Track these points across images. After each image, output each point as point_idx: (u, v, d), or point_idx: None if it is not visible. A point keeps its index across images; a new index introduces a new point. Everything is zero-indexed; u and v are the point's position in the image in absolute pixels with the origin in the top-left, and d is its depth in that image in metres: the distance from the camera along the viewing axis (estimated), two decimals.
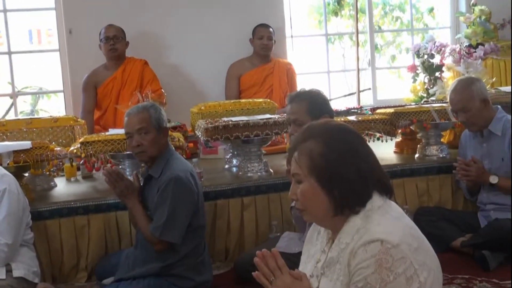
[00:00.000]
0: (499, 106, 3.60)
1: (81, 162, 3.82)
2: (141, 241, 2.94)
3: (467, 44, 5.79)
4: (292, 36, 6.11)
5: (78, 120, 4.16)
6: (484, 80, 4.65)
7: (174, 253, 2.86)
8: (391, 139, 4.20)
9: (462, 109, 3.51)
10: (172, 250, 2.85)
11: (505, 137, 3.44)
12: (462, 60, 5.36)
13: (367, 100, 6.29)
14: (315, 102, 2.97)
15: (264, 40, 5.50)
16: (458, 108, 3.54)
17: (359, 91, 6.12)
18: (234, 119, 3.70)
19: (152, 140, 2.90)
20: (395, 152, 4.49)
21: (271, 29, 5.55)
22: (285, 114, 3.30)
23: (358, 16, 6.27)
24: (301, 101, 2.99)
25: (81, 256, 3.38)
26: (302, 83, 5.91)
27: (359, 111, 5.05)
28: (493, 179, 3.40)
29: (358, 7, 6.26)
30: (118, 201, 3.24)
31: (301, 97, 3.02)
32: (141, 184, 3.03)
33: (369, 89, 6.38)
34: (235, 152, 4.04)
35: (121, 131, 3.44)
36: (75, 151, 3.57)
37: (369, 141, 3.90)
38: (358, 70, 6.18)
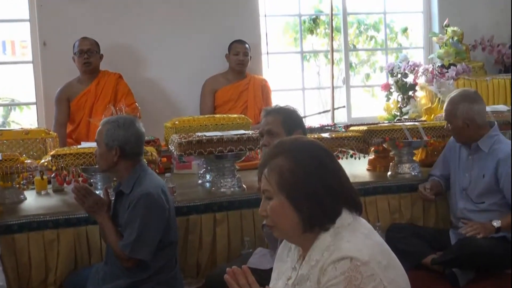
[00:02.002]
0: (495, 123, 3.61)
1: (52, 175, 3.77)
2: (111, 256, 2.90)
3: (439, 64, 5.86)
4: (267, 53, 6.13)
5: (50, 132, 4.11)
6: None
7: (144, 269, 2.82)
8: (364, 157, 4.22)
9: (447, 121, 3.59)
10: (143, 267, 2.81)
11: (491, 155, 3.43)
12: (434, 80, 5.41)
13: (341, 118, 6.32)
14: (289, 117, 3.00)
15: (240, 56, 5.51)
16: (444, 118, 3.62)
17: (333, 109, 6.16)
18: (208, 134, 3.68)
19: (100, 155, 2.92)
20: (367, 169, 4.51)
21: (247, 45, 5.56)
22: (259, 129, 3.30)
23: (333, 34, 6.32)
24: (276, 114, 3.02)
25: (50, 271, 3.31)
26: (277, 100, 5.91)
27: (332, 128, 5.07)
28: (497, 223, 3.34)
29: (334, 25, 6.32)
30: (88, 215, 3.19)
31: (276, 111, 3.06)
32: (112, 199, 2.99)
33: (344, 106, 6.42)
34: (209, 168, 4.02)
35: (94, 144, 3.41)
36: (46, 164, 3.52)
37: (342, 158, 3.92)
38: (333, 87, 6.22)
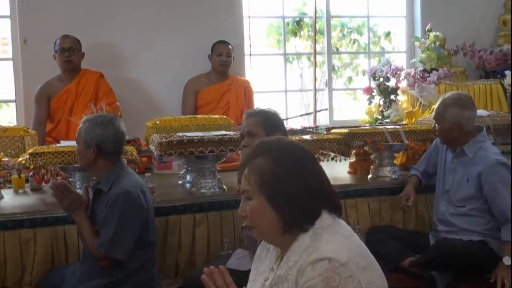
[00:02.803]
0: (484, 129, 3.61)
1: (30, 174, 3.72)
2: (88, 256, 2.86)
3: (421, 68, 5.90)
4: (250, 54, 6.13)
5: (29, 130, 4.07)
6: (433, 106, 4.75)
7: (121, 269, 2.79)
8: (345, 159, 4.22)
9: (435, 120, 3.57)
10: (119, 267, 2.78)
11: (475, 162, 3.42)
12: (416, 84, 5.45)
13: (323, 120, 6.34)
14: (270, 118, 3.04)
15: (223, 57, 5.50)
16: (433, 117, 3.62)
17: (315, 111, 6.17)
18: (188, 134, 3.66)
19: (79, 153, 2.91)
20: (348, 172, 4.52)
21: (230, 46, 5.56)
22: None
23: (317, 37, 6.33)
24: (257, 116, 3.06)
25: (26, 271, 3.25)
26: (260, 101, 5.93)
27: (314, 131, 5.08)
28: (508, 261, 3.27)
29: (317, 28, 6.33)
30: (66, 214, 3.15)
31: (257, 113, 3.10)
32: (90, 198, 2.96)
33: (326, 109, 6.44)
34: (189, 168, 3.99)
35: (73, 143, 3.37)
36: (23, 162, 3.48)
37: (323, 161, 3.92)
38: (315, 90, 6.23)
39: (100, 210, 2.84)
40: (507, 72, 5.72)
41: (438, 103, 3.60)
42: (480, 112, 4.60)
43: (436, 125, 3.57)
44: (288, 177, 1.62)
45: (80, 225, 2.87)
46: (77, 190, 3.15)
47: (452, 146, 3.58)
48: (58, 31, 5.11)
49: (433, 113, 3.63)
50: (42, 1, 5.38)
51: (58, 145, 3.68)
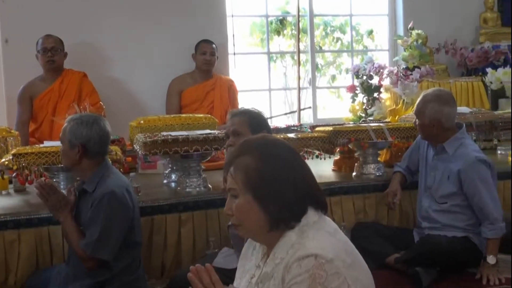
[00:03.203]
0: (463, 126, 3.61)
1: (13, 175, 3.68)
2: (73, 257, 2.84)
3: (404, 66, 5.94)
4: (234, 53, 6.13)
5: (12, 131, 4.02)
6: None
7: (107, 270, 2.77)
8: (330, 157, 4.24)
9: (415, 115, 3.59)
10: (105, 267, 2.77)
11: (455, 159, 3.44)
12: (399, 82, 5.48)
13: (307, 119, 6.36)
14: (255, 118, 3.03)
15: (207, 56, 5.50)
16: (414, 112, 3.63)
17: (299, 110, 6.18)
18: (173, 133, 3.65)
19: (63, 152, 2.90)
20: (333, 170, 4.54)
21: (214, 45, 5.56)
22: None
23: (300, 36, 6.35)
24: (242, 115, 3.05)
25: (10, 273, 3.21)
26: (244, 100, 5.93)
27: (298, 129, 5.09)
28: (492, 260, 3.29)
29: (300, 27, 6.35)
30: (51, 215, 3.12)
31: (242, 112, 3.10)
32: (76, 198, 2.94)
33: (310, 107, 6.45)
34: (174, 167, 3.99)
35: (56, 143, 3.35)
36: (6, 163, 3.44)
37: (308, 159, 3.93)
38: (299, 88, 6.24)
39: (85, 210, 2.82)
40: (488, 70, 5.78)
41: (419, 99, 3.61)
42: (462, 109, 4.64)
43: (417, 120, 3.58)
44: (274, 175, 1.62)
45: (65, 225, 2.84)
46: (61, 191, 3.13)
47: (432, 142, 3.59)
48: (40, 31, 5.07)
49: (414, 108, 3.64)
50: (24, 0, 5.33)
51: (41, 145, 3.65)
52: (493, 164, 3.47)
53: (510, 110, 4.94)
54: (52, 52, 4.94)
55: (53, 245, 3.30)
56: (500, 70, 5.71)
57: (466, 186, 3.37)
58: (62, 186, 3.45)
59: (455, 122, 3.54)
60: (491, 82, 5.70)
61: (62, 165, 3.32)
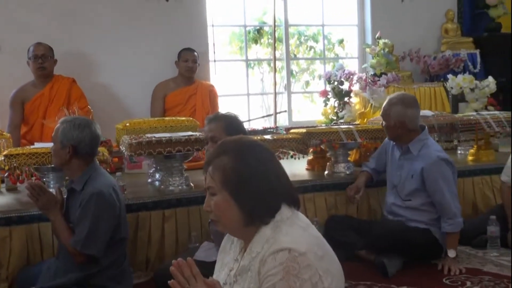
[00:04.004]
0: (426, 128, 3.63)
1: (5, 175, 3.63)
2: (63, 252, 2.81)
3: (372, 73, 5.98)
4: (214, 60, 6.14)
5: (4, 133, 3.97)
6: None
7: (95, 264, 2.74)
8: (303, 157, 4.24)
9: (382, 118, 3.60)
10: (93, 262, 2.73)
11: (419, 158, 3.46)
12: (367, 87, 5.50)
13: (283, 121, 6.37)
14: (231, 122, 3.00)
15: (189, 63, 5.49)
16: (381, 115, 3.65)
17: (275, 113, 6.20)
18: (157, 135, 3.62)
19: (54, 152, 2.85)
20: (307, 169, 4.55)
21: (195, 53, 5.54)
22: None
23: (276, 44, 6.36)
24: (218, 121, 3.02)
25: (2, 267, 3.17)
26: (223, 104, 5.93)
27: (274, 131, 5.09)
28: (452, 253, 3.34)
29: (276, 36, 6.36)
30: (41, 212, 3.08)
31: (218, 118, 3.06)
32: (64, 197, 2.90)
33: (285, 111, 6.47)
34: (158, 167, 3.96)
35: (46, 145, 3.30)
36: None
37: (283, 159, 3.93)
38: (275, 93, 6.26)
39: (74, 208, 2.79)
40: (449, 76, 5.84)
41: (385, 102, 3.64)
42: (425, 112, 4.68)
43: (383, 122, 3.61)
44: (250, 174, 1.61)
45: (55, 223, 2.81)
46: (51, 189, 3.09)
47: (398, 143, 3.61)
48: (32, 38, 5.03)
49: (381, 111, 3.67)
50: (16, 10, 5.27)
51: (32, 146, 3.60)
52: (453, 162, 3.50)
53: (469, 113, 5.00)
54: (43, 59, 4.89)
55: (43, 241, 3.27)
56: (460, 76, 5.78)
57: (429, 183, 3.40)
58: (51, 185, 3.41)
59: (418, 124, 3.57)
60: (451, 88, 5.76)
61: (52, 165, 3.29)
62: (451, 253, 3.31)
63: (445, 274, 3.20)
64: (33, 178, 3.45)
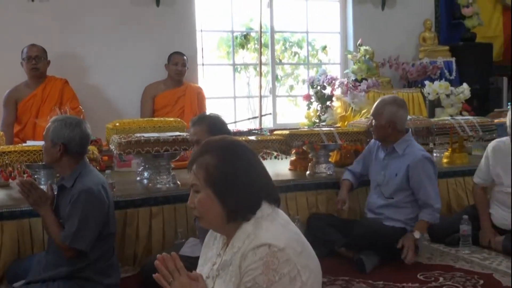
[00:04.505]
0: (410, 130, 3.67)
1: None
2: (53, 246, 2.78)
3: (353, 78, 6.01)
4: (203, 64, 6.12)
5: None
6: (365, 110, 4.84)
7: (83, 258, 2.72)
8: (286, 158, 4.25)
9: (372, 117, 3.61)
10: (82, 256, 2.72)
11: (404, 157, 3.48)
12: (349, 92, 5.53)
13: (268, 124, 6.38)
14: (214, 124, 2.97)
15: (179, 66, 5.47)
16: (371, 114, 3.65)
17: (261, 115, 6.20)
18: (145, 135, 3.61)
19: (45, 149, 2.82)
20: (289, 169, 4.56)
21: (185, 57, 5.53)
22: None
23: (262, 50, 6.36)
24: (202, 124, 2.98)
25: None
26: (211, 106, 5.92)
27: (259, 132, 5.09)
28: (417, 234, 3.37)
29: (262, 42, 6.36)
30: (31, 208, 3.05)
31: (201, 120, 3.02)
32: (55, 194, 2.88)
33: (270, 114, 6.48)
34: (146, 166, 3.94)
35: (38, 143, 3.28)
36: None
37: (266, 159, 3.94)
38: (261, 97, 6.26)
39: (64, 204, 2.77)
40: (426, 82, 5.88)
41: (377, 102, 3.64)
42: None
43: (373, 121, 3.61)
44: (232, 172, 1.62)
45: (46, 218, 2.79)
46: (42, 186, 3.07)
47: (384, 143, 3.63)
48: (26, 40, 4.98)
49: (372, 110, 3.66)
50: (11, 12, 5.23)
51: (24, 144, 3.57)
52: (434, 161, 3.54)
53: (444, 118, 5.04)
54: (36, 60, 4.84)
55: (33, 235, 3.24)
56: (436, 83, 5.82)
57: (413, 180, 3.43)
58: (42, 182, 3.39)
59: (405, 126, 3.60)
60: (428, 93, 5.80)
61: (43, 163, 3.27)
62: (416, 234, 3.35)
63: (420, 270, 3.22)
64: (25, 175, 3.42)
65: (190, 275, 1.63)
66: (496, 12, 7.46)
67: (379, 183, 3.60)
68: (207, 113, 3.16)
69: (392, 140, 3.56)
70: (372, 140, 3.81)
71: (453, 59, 6.63)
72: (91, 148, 3.52)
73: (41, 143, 2.98)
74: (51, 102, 4.89)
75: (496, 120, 4.96)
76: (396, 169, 3.51)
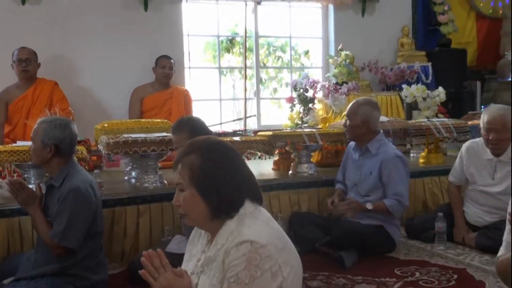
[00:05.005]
0: (381, 131, 3.69)
1: None
2: (42, 244, 2.75)
3: (334, 82, 6.02)
4: (190, 68, 6.10)
5: None
6: (344, 113, 4.85)
7: (72, 255, 2.69)
8: (270, 158, 4.25)
9: (347, 117, 3.62)
10: (70, 253, 2.69)
11: (377, 156, 3.50)
12: (330, 95, 5.54)
13: (252, 125, 6.36)
14: (194, 129, 2.93)
15: (166, 70, 5.44)
16: (346, 114, 3.66)
17: (245, 117, 6.19)
18: (133, 135, 3.59)
19: (34, 151, 2.78)
20: (273, 169, 4.56)
21: (172, 60, 5.50)
22: None
23: (247, 54, 6.36)
24: (182, 131, 2.96)
25: None
26: (197, 108, 5.90)
27: (243, 133, 5.09)
28: (369, 206, 3.42)
29: (247, 46, 6.36)
30: (21, 207, 3.01)
31: (181, 128, 2.99)
32: (43, 193, 2.85)
33: (254, 115, 6.47)
34: (134, 165, 3.92)
35: (28, 143, 3.24)
36: None
37: (251, 159, 3.93)
38: (245, 99, 6.25)
39: (53, 203, 2.74)
40: (404, 86, 5.91)
41: (351, 103, 3.66)
42: (381, 118, 4.71)
43: (348, 121, 3.62)
44: (216, 171, 1.61)
45: (34, 217, 2.75)
46: (31, 185, 3.03)
47: (358, 143, 3.64)
48: (17, 43, 4.93)
49: (346, 111, 3.67)
50: (1, 14, 5.19)
51: (13, 144, 3.53)
52: (407, 160, 3.57)
53: (421, 120, 5.08)
54: (26, 63, 4.79)
55: (23, 233, 3.21)
56: (413, 86, 5.85)
57: (384, 176, 3.46)
58: (32, 181, 3.35)
59: (377, 126, 3.62)
60: (406, 96, 5.83)
61: (32, 162, 3.22)
62: (369, 205, 3.40)
63: (390, 260, 3.24)
64: (15, 174, 3.38)
65: (175, 271, 1.62)
66: (470, 19, 7.54)
67: (356, 182, 3.61)
68: (185, 117, 3.10)
69: (365, 140, 3.58)
70: (349, 145, 3.83)
71: (430, 64, 6.67)
72: (80, 148, 3.50)
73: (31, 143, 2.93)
74: (41, 104, 4.83)
75: (470, 122, 5.00)
76: (371, 168, 3.53)
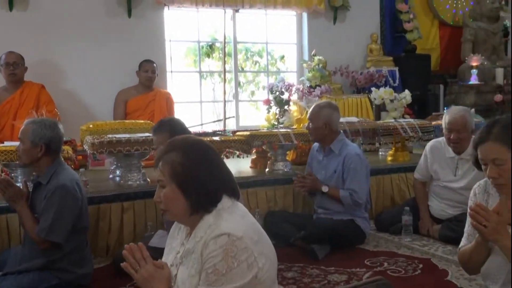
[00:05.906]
0: (341, 131, 3.71)
1: None
2: (29, 239, 2.71)
3: (308, 85, 6.04)
4: (172, 71, 6.06)
5: None
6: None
7: (58, 250, 2.66)
8: (247, 156, 4.24)
9: (309, 120, 3.62)
10: (57, 248, 2.65)
11: (340, 155, 3.52)
12: (304, 97, 5.57)
13: (231, 126, 6.34)
14: (174, 129, 2.91)
15: (149, 73, 5.40)
16: (308, 117, 3.66)
17: (225, 118, 6.18)
18: (117, 136, 3.55)
19: (24, 150, 2.72)
20: (250, 167, 4.55)
21: (155, 64, 5.47)
22: None
23: (226, 58, 6.34)
24: (162, 131, 2.94)
25: None
26: (179, 110, 5.86)
27: (223, 133, 5.07)
28: (324, 189, 3.49)
29: (226, 51, 6.35)
30: (8, 205, 2.96)
31: (161, 128, 2.98)
32: (30, 190, 2.80)
33: (233, 117, 6.46)
34: (118, 164, 3.88)
35: (15, 143, 3.18)
36: None
37: (229, 158, 3.92)
38: (225, 101, 6.24)
39: (40, 200, 2.69)
40: (373, 89, 5.97)
41: (313, 107, 3.67)
42: (352, 118, 4.78)
43: (310, 124, 3.62)
44: (195, 168, 1.60)
45: (21, 213, 2.71)
46: (18, 183, 2.98)
47: (322, 143, 3.65)
48: (4, 47, 4.83)
49: (309, 114, 3.66)
50: None
51: (1, 145, 3.46)
52: (366, 160, 3.61)
53: (389, 120, 5.12)
54: (14, 66, 4.71)
55: (10, 230, 3.16)
56: (381, 89, 5.91)
57: (346, 172, 3.48)
58: (19, 180, 3.29)
59: (338, 127, 3.66)
60: (375, 99, 5.89)
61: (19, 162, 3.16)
62: (324, 188, 3.49)
63: (360, 252, 3.26)
64: (2, 173, 3.31)
65: (156, 263, 1.61)
66: (434, 27, 7.64)
67: (321, 181, 3.61)
68: (166, 118, 3.08)
69: (328, 141, 3.59)
70: (313, 146, 3.84)
71: (396, 68, 6.75)
72: (66, 148, 3.46)
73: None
74: (29, 106, 4.75)
75: (433, 123, 5.06)
76: (334, 167, 3.55)
